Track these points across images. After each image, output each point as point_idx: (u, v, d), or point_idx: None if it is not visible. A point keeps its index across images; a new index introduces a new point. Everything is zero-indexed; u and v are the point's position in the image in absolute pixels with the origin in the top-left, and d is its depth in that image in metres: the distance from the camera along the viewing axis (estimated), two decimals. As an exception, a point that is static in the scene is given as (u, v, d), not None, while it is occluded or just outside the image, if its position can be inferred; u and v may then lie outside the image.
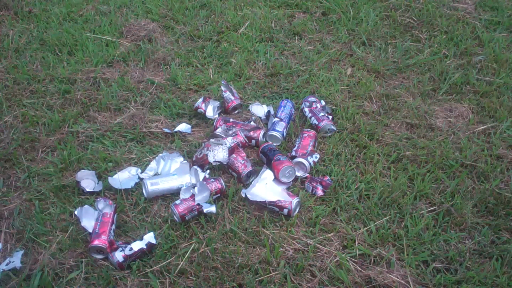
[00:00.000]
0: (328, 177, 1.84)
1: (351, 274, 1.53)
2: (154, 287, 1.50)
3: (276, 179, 1.81)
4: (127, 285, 1.50)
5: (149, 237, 1.58)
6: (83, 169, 1.86)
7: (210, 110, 2.15)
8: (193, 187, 1.73)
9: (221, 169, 1.90)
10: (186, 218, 1.67)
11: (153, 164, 1.90)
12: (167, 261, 1.56)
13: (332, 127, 2.07)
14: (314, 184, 1.82)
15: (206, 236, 1.63)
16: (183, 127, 2.08)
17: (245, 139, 1.99)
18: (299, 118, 2.16)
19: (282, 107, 2.11)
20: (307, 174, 1.87)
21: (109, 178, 1.80)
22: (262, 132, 2.00)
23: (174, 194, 1.78)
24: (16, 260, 1.54)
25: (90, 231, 1.62)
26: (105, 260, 1.57)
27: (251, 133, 2.00)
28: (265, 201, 1.71)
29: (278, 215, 1.72)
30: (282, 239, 1.63)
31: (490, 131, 2.10)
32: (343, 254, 1.59)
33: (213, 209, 1.67)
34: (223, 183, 1.77)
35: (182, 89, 2.31)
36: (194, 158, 1.90)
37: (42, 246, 1.60)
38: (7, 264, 1.53)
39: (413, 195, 1.79)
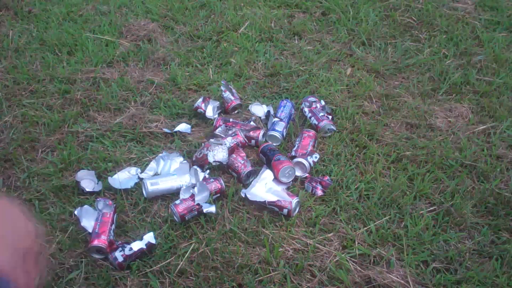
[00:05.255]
0: (328, 177, 1.84)
1: (350, 274, 1.53)
2: (154, 287, 1.50)
3: (276, 179, 1.81)
4: (127, 285, 1.50)
5: (149, 237, 1.58)
6: (83, 169, 1.86)
7: (210, 110, 2.15)
8: (193, 187, 1.73)
9: (221, 169, 1.90)
10: (186, 218, 1.67)
11: (153, 164, 1.90)
12: (167, 261, 1.56)
13: (332, 127, 2.07)
14: (314, 184, 1.82)
15: (206, 236, 1.63)
16: (183, 127, 2.08)
17: (245, 139, 1.99)
18: (299, 118, 2.16)
19: (282, 107, 2.11)
20: (307, 174, 1.87)
21: (109, 178, 1.80)
22: (261, 132, 2.00)
23: (174, 194, 1.78)
24: (16, 260, 1.54)
25: (90, 231, 1.62)
26: (105, 260, 1.57)
27: (251, 133, 2.00)
28: (265, 201, 1.71)
29: (277, 215, 1.72)
30: (282, 239, 1.63)
31: (490, 131, 2.10)
32: (343, 254, 1.59)
33: (212, 209, 1.67)
34: (223, 183, 1.77)
35: (182, 89, 2.31)
36: (193, 158, 1.90)
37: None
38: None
39: (413, 195, 1.79)
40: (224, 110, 2.19)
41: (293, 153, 1.92)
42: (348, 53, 2.59)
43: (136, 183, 1.82)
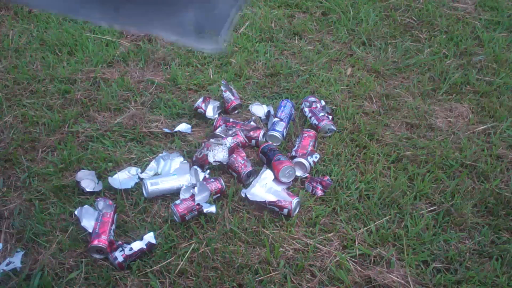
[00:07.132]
0: (328, 177, 1.84)
1: (351, 274, 1.53)
2: (154, 287, 1.50)
3: (276, 179, 1.81)
4: (127, 285, 1.50)
5: (149, 237, 1.58)
6: (83, 169, 1.86)
7: (210, 110, 2.15)
8: (193, 187, 1.73)
9: (221, 169, 1.90)
10: (186, 218, 1.67)
11: (153, 164, 1.90)
12: (167, 261, 1.56)
13: (332, 127, 2.07)
14: (314, 184, 1.82)
15: (206, 236, 1.63)
16: (183, 127, 2.08)
17: (245, 139, 1.99)
18: (299, 118, 2.16)
19: (282, 107, 2.11)
20: (307, 174, 1.87)
21: (109, 178, 1.80)
22: (262, 132, 2.00)
23: (174, 194, 1.78)
24: (16, 260, 1.54)
25: (90, 231, 1.62)
26: (105, 260, 1.57)
27: (251, 133, 2.00)
28: (265, 201, 1.71)
29: (278, 215, 1.72)
30: (282, 239, 1.63)
31: (490, 131, 2.10)
32: (343, 254, 1.59)
33: (213, 209, 1.67)
34: (223, 183, 1.77)
35: (182, 89, 2.31)
36: (194, 158, 1.90)
37: (42, 246, 1.60)
38: (7, 264, 1.53)
39: (413, 195, 1.79)
40: (224, 110, 2.19)
41: (293, 153, 1.92)
42: (348, 53, 2.59)
43: (136, 183, 1.82)
